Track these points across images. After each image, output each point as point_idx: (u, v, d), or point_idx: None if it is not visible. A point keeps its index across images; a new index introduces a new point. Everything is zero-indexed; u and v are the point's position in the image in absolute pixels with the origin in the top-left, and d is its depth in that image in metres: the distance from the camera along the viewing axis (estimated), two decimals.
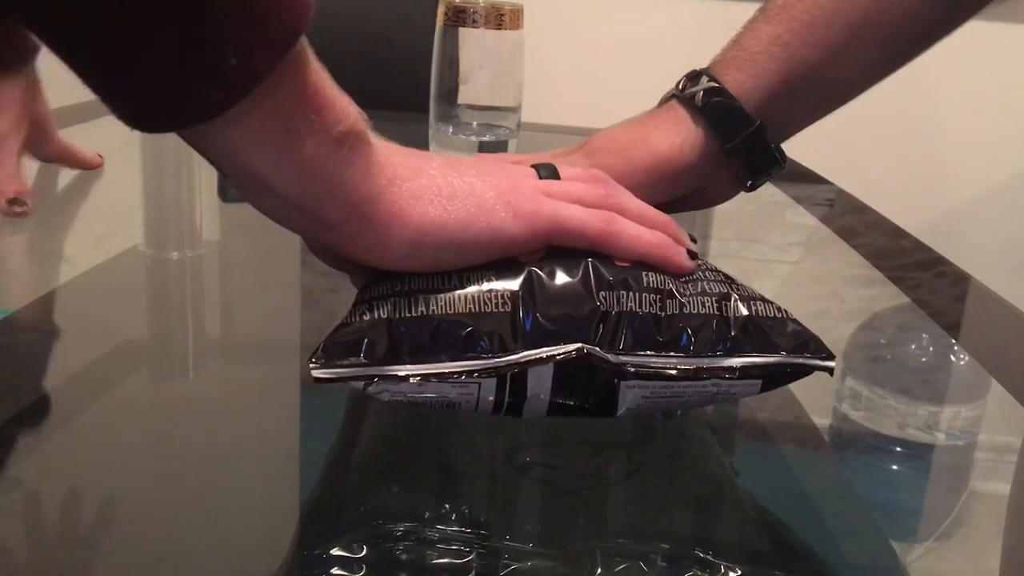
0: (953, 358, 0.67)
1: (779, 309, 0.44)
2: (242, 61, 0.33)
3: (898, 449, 0.54)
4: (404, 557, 0.38)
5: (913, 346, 0.71)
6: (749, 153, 0.56)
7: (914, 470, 0.54)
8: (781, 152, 0.57)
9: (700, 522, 0.44)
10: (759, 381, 0.43)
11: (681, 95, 0.56)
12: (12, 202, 0.71)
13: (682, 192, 0.57)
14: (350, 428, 0.48)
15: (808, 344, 0.44)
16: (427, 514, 0.40)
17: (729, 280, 0.45)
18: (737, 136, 0.55)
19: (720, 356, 0.43)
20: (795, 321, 0.44)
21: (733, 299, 0.44)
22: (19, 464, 0.44)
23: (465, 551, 0.38)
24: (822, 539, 0.43)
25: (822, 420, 0.55)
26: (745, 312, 0.43)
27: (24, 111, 0.78)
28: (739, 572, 0.39)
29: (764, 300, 0.44)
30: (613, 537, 0.41)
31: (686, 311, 0.43)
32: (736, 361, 0.43)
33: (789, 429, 0.52)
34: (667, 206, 0.57)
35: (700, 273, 0.45)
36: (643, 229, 0.45)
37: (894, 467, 0.53)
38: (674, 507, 0.45)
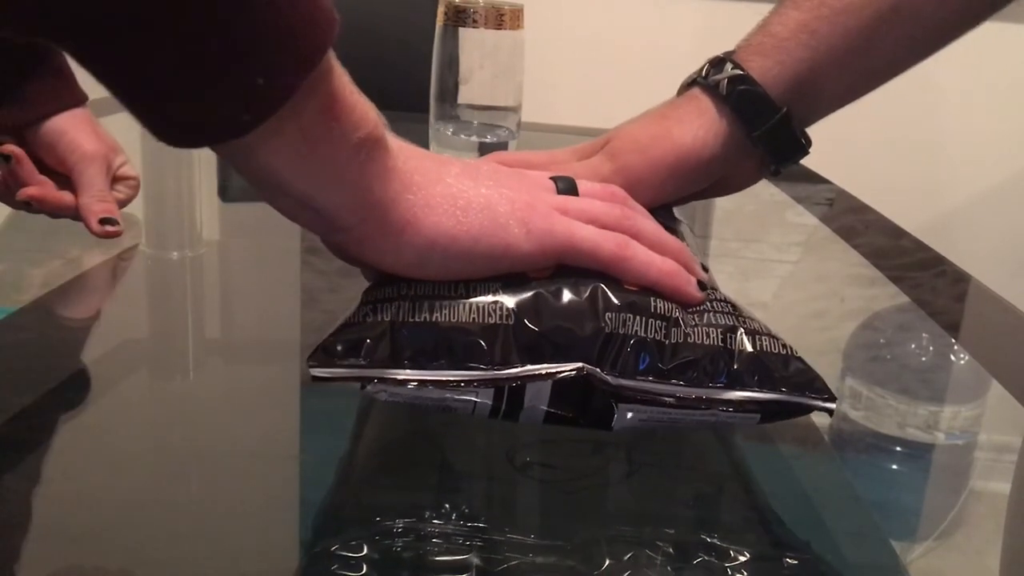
0: (953, 358, 0.67)
1: (784, 346, 0.44)
2: (270, 80, 0.33)
3: (898, 449, 0.54)
4: (405, 555, 0.38)
5: (913, 346, 0.71)
6: (775, 140, 0.55)
7: (914, 470, 0.54)
8: (806, 137, 0.57)
9: (700, 521, 0.44)
10: (757, 415, 0.43)
11: (704, 82, 0.55)
12: (104, 221, 0.67)
13: (707, 183, 0.56)
14: (350, 429, 0.48)
15: (810, 384, 0.43)
16: (428, 513, 0.40)
17: (737, 313, 0.45)
18: (763, 124, 0.54)
19: (720, 388, 0.42)
20: (799, 359, 0.44)
21: (739, 332, 0.44)
22: (19, 463, 0.44)
23: (464, 548, 0.38)
24: (822, 539, 0.43)
25: (822, 420, 0.55)
26: (749, 347, 0.43)
27: (103, 137, 0.72)
28: (739, 571, 0.39)
29: (771, 335, 0.44)
30: (613, 535, 0.41)
31: (690, 340, 0.43)
32: (735, 395, 0.43)
33: (789, 429, 0.51)
34: (690, 195, 0.56)
35: (709, 304, 0.45)
36: (655, 256, 0.45)
37: (894, 467, 0.53)
38: (674, 506, 0.45)
